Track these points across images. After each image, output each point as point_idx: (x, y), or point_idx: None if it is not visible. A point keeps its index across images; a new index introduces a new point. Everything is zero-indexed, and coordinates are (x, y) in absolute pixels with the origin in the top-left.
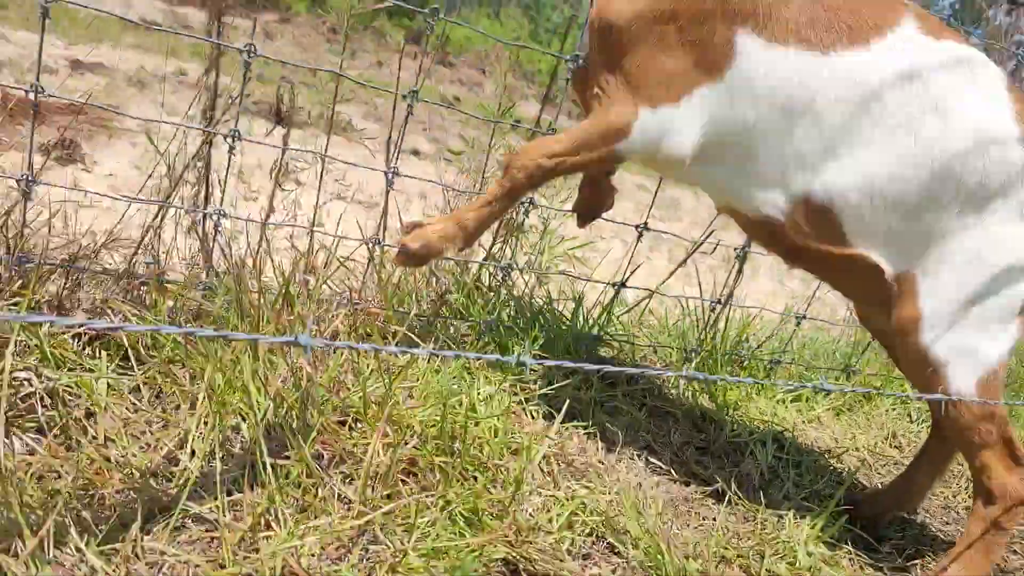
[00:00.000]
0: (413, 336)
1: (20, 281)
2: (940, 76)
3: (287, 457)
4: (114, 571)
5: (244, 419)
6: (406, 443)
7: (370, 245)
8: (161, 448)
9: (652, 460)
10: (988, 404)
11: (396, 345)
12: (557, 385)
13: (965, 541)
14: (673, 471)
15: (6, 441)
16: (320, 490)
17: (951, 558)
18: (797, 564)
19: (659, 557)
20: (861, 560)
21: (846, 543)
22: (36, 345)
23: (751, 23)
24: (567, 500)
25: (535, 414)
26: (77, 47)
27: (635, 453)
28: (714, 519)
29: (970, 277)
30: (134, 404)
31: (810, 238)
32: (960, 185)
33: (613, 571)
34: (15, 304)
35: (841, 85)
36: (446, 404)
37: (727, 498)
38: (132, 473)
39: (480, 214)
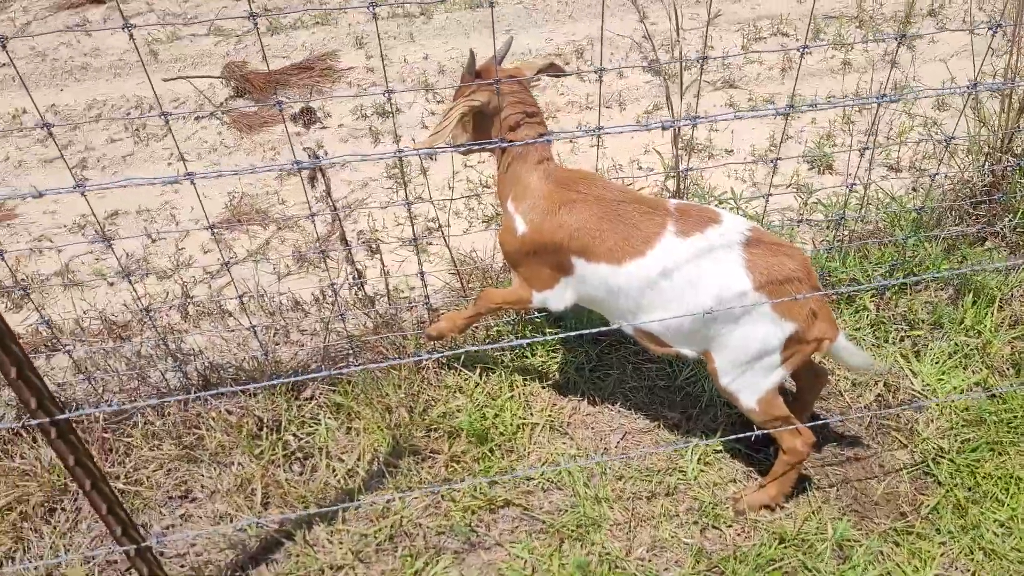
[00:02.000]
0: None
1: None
2: None
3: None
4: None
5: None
6: (459, 439)
7: None
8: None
9: (623, 407)
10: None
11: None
12: (560, 365)
13: (771, 475)
14: (635, 411)
15: None
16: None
17: (761, 484)
18: (687, 475)
19: (588, 483)
20: (742, 461)
21: (737, 450)
22: None
23: None
24: (551, 453)
25: (545, 395)
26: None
27: (612, 402)
28: (651, 442)
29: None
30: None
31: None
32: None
33: (556, 498)
34: None
35: None
36: (484, 415)
37: (670, 425)
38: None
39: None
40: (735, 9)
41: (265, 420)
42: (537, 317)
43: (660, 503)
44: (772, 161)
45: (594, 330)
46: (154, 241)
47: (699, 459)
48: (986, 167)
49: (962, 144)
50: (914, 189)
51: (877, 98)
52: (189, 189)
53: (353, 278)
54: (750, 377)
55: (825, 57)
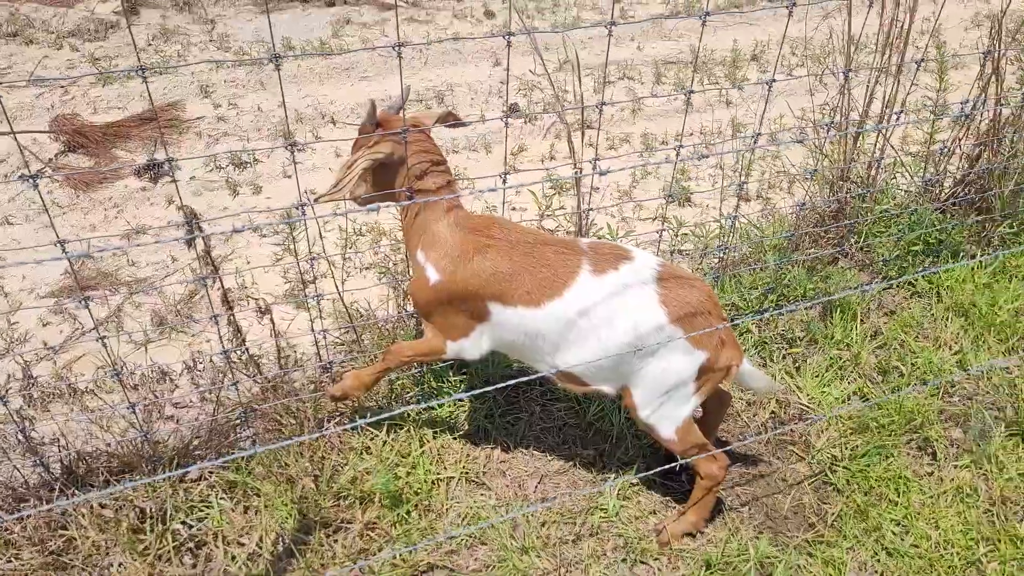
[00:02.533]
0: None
1: None
2: None
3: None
4: None
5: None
6: (372, 504)
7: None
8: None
9: (537, 450)
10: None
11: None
12: (469, 413)
13: (691, 502)
14: (549, 452)
15: None
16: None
17: (681, 512)
18: (608, 512)
19: (513, 534)
20: (659, 491)
21: (652, 481)
22: None
23: None
24: (470, 507)
25: (457, 446)
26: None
27: (526, 446)
28: (568, 483)
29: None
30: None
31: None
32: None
33: (481, 554)
34: None
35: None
36: (396, 475)
37: (585, 463)
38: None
39: (374, 376)
40: (583, 55)
41: (148, 510)
42: (439, 366)
43: (586, 545)
44: (667, 196)
45: (511, 382)
46: None
47: (618, 494)
48: (830, 195)
49: (798, 173)
50: (763, 218)
51: (752, 139)
52: (18, 255)
53: (234, 342)
54: (668, 408)
55: (669, 99)
